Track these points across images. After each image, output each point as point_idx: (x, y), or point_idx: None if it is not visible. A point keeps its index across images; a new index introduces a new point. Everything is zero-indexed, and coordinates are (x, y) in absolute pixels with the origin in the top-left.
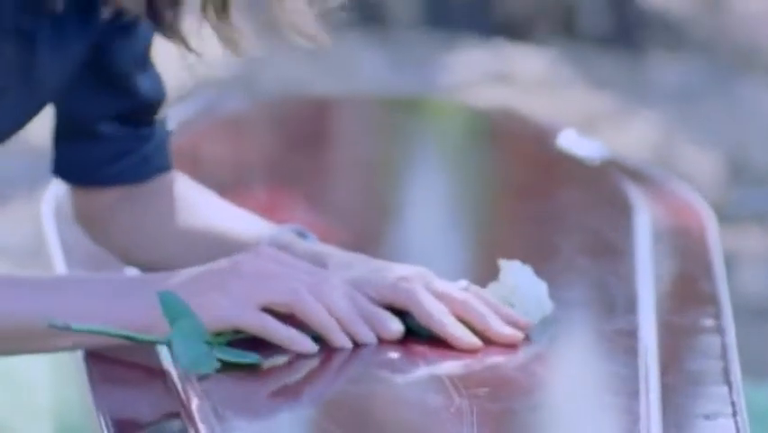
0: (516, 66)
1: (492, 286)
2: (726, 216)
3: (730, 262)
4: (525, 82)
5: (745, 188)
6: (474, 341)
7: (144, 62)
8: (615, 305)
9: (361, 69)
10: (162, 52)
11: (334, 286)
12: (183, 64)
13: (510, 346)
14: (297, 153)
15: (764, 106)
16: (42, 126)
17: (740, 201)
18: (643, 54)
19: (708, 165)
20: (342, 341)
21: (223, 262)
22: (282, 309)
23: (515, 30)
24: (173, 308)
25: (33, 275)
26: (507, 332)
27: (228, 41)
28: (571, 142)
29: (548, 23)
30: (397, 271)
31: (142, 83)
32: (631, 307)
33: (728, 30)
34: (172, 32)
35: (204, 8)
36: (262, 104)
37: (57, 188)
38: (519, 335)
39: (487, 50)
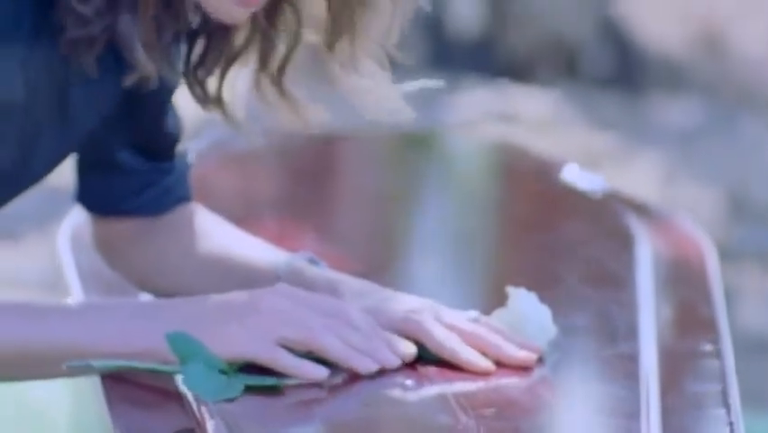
0: (519, 106)
1: (498, 312)
2: (727, 254)
3: (731, 298)
4: (528, 122)
5: (747, 227)
6: (487, 364)
7: (170, 99)
8: (617, 331)
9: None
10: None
11: (350, 320)
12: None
13: (524, 369)
14: (306, 187)
15: (764, 146)
16: None
17: (741, 239)
18: (644, 95)
19: (709, 203)
20: (365, 364)
21: (241, 296)
22: (299, 347)
23: (518, 71)
24: (182, 346)
25: (50, 302)
26: (521, 355)
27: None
28: (574, 176)
29: (551, 65)
30: (407, 302)
31: (167, 118)
32: (632, 333)
33: (728, 72)
34: (216, 104)
35: (257, 83)
36: (273, 139)
37: (73, 219)
38: (533, 356)
39: (491, 90)
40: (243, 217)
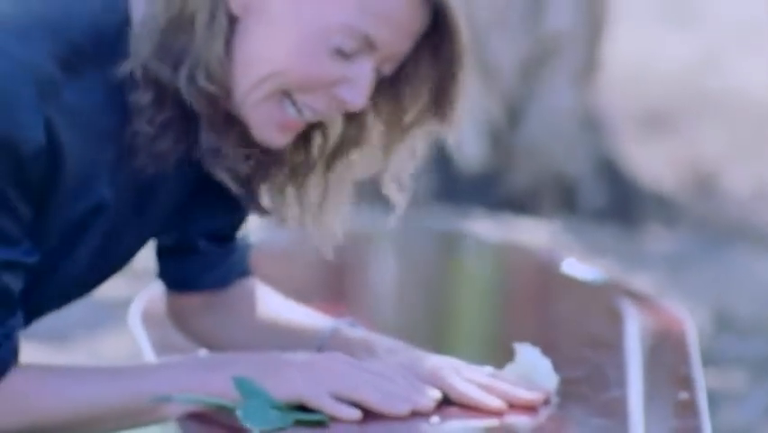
0: (521, 236)
1: (508, 367)
2: (712, 361)
3: (716, 398)
4: None
5: (730, 338)
6: (500, 403)
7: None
8: (609, 381)
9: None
10: None
11: (388, 376)
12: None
13: (532, 408)
14: (341, 276)
15: (749, 272)
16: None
17: (725, 348)
18: (638, 227)
19: (696, 318)
20: (400, 407)
21: (301, 354)
22: (345, 399)
23: (520, 204)
24: (245, 387)
25: (135, 364)
26: (529, 396)
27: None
28: (573, 267)
29: (551, 199)
30: (432, 360)
31: (233, 207)
32: (622, 383)
33: (718, 207)
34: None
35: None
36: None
37: (141, 299)
38: (540, 396)
39: (494, 222)
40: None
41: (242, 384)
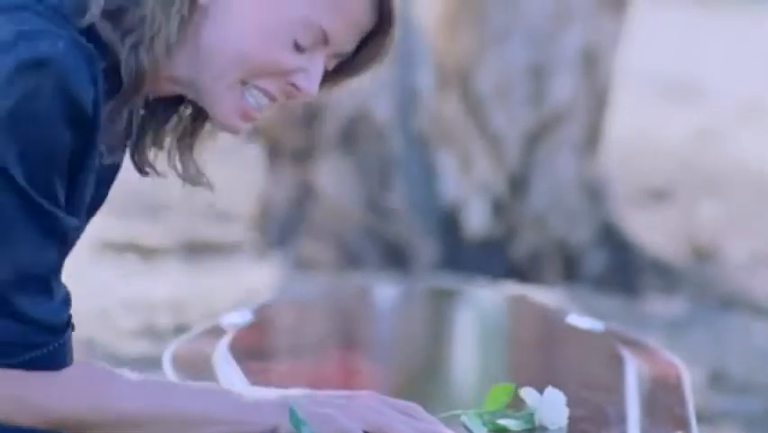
0: None
1: (533, 393)
2: (706, 418)
3: None
4: None
5: (725, 396)
6: None
7: None
8: (609, 419)
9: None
10: None
11: (417, 414)
12: None
13: None
14: (355, 326)
15: (744, 336)
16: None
17: (720, 406)
18: (638, 294)
19: (694, 378)
20: None
21: (339, 393)
22: None
23: (524, 272)
24: (297, 420)
25: (190, 384)
26: None
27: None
28: (577, 321)
29: (553, 267)
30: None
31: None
32: (621, 421)
33: (715, 275)
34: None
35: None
36: (322, 292)
37: (171, 348)
38: None
39: (498, 289)
40: (303, 349)
41: (294, 417)
